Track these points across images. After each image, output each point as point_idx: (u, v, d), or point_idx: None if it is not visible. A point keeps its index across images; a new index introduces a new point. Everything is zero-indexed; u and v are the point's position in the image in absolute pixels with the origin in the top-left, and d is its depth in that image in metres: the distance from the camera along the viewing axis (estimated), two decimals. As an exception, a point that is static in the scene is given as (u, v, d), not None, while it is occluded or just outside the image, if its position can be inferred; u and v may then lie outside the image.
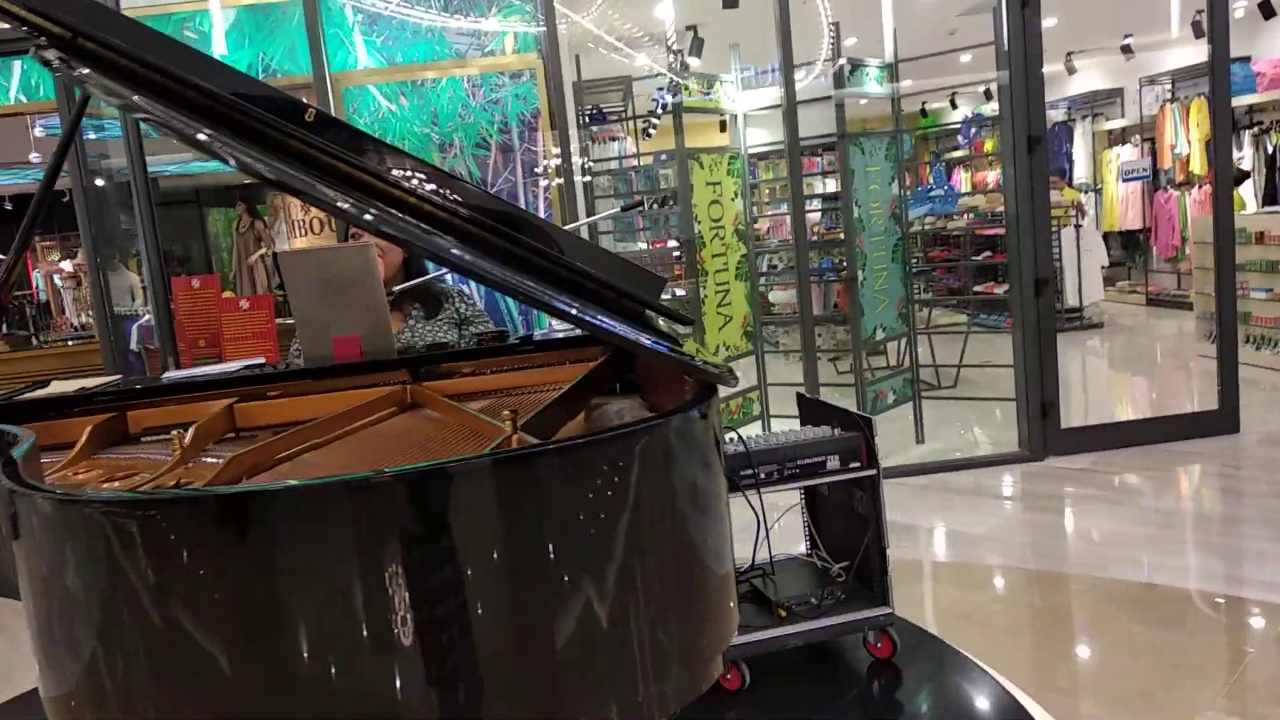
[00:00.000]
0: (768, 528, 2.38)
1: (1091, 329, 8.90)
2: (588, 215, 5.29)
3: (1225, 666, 2.82)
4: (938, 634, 2.96)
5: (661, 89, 4.85)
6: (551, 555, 1.05)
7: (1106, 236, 10.86)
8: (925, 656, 2.49)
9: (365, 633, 1.00)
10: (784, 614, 2.37)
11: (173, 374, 2.21)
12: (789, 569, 2.64)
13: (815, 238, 6.32)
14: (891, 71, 5.12)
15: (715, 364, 1.29)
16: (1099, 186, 10.55)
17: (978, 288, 9.82)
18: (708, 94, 5.04)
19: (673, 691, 1.12)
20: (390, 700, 1.01)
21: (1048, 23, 8.82)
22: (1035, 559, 3.77)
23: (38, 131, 5.92)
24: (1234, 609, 3.14)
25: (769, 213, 6.54)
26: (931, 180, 12.93)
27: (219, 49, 4.57)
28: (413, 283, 2.68)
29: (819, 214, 6.62)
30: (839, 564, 2.58)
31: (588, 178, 5.49)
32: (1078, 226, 8.96)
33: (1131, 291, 10.44)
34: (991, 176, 13.98)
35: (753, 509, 2.29)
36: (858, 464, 2.34)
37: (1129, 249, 10.60)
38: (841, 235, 5.19)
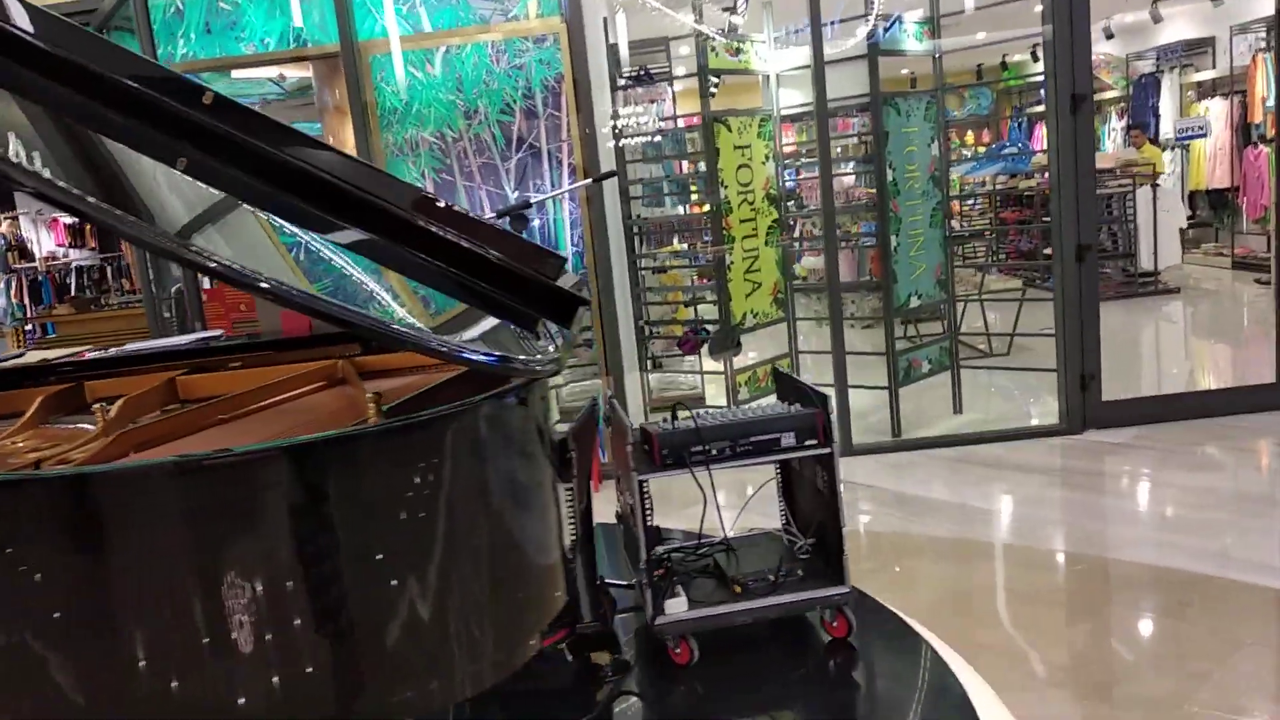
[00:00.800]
0: (717, 502, 2.38)
1: (1167, 294, 8.47)
2: (627, 180, 5.28)
3: (1222, 656, 2.70)
4: (927, 612, 2.93)
5: (713, 49, 4.74)
6: (360, 542, 1.07)
7: (1193, 195, 10.29)
8: (885, 636, 2.45)
9: (188, 619, 1.05)
10: (739, 589, 2.37)
11: (132, 346, 2.31)
12: (757, 544, 2.63)
13: (851, 202, 6.16)
14: (932, 27, 4.92)
15: (507, 356, 1.24)
16: (1186, 142, 9.96)
17: (1047, 250, 9.44)
18: (737, 54, 4.92)
19: (487, 669, 1.14)
20: (209, 686, 1.05)
21: (1124, -32, 8.35)
22: (1045, 537, 3.66)
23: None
24: (1247, 594, 3.00)
25: (803, 176, 6.39)
26: (1009, 137, 12.43)
27: (253, 19, 4.68)
28: None
29: (852, 177, 6.42)
30: (807, 540, 2.56)
31: (622, 141, 5.46)
32: (1155, 185, 8.50)
33: (1217, 254, 9.88)
34: (1075, 132, 13.39)
35: (698, 485, 2.29)
36: (814, 442, 2.30)
37: (1216, 209, 10.02)
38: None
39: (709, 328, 5.21)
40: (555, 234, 4.80)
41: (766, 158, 5.10)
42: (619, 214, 5.15)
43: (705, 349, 5.19)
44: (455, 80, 4.69)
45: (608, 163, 4.96)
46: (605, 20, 4.97)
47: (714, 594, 2.37)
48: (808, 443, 2.30)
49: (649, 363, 6.14)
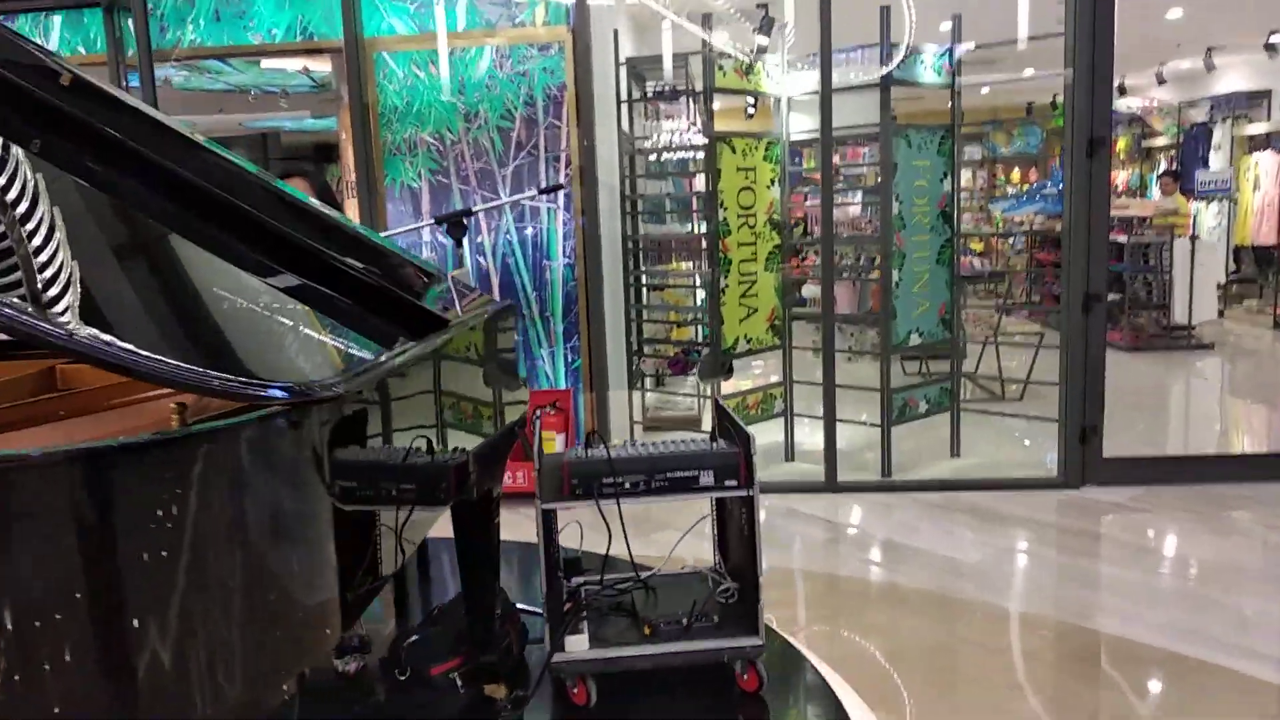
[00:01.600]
0: (626, 537, 2.26)
1: (1200, 349, 8.16)
2: (626, 197, 5.18)
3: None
4: (876, 665, 2.78)
5: (720, 67, 4.63)
6: (95, 577, 0.98)
7: (1239, 250, 9.94)
8: (801, 694, 2.31)
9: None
10: (648, 631, 2.25)
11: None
12: (682, 583, 2.51)
13: (857, 232, 5.99)
14: (951, 60, 4.76)
15: (243, 382, 1.10)
16: (1235, 196, 9.63)
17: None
18: (746, 75, 4.80)
19: (233, 711, 1.04)
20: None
21: (1173, 14, 8.10)
22: (1013, 596, 3.48)
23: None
24: (1201, 673, 2.79)
25: (809, 203, 6.23)
26: (1052, 177, 12.14)
27: (262, 9, 4.67)
28: None
29: (858, 207, 6.25)
30: (731, 584, 2.44)
31: (633, 155, 5.37)
32: (1194, 237, 8.21)
33: (1260, 312, 9.52)
34: (1122, 176, 13.03)
35: (604, 520, 2.17)
36: (734, 483, 2.17)
37: (1262, 265, 9.66)
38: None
39: (702, 350, 5.08)
40: (547, 244, 4.72)
41: (772, 181, 4.97)
42: (618, 228, 5.05)
43: (695, 372, 5.07)
44: (458, 83, 4.64)
45: (608, 175, 4.88)
46: (615, 32, 4.88)
47: (621, 634, 2.25)
48: (727, 483, 2.18)
49: (647, 381, 6.04)
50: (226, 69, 7.38)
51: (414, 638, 2.23)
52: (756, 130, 4.97)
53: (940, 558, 3.81)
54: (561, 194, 4.66)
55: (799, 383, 5.19)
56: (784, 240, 5.10)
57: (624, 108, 5.37)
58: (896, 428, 4.90)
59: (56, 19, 4.74)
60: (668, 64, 5.12)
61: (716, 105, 4.71)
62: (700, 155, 5.02)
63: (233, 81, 7.78)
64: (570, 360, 4.81)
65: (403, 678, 2.16)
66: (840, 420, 4.75)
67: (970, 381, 6.73)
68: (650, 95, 5.83)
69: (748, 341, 4.98)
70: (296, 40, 4.76)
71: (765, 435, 5.56)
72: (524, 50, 4.60)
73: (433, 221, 2.69)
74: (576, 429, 4.81)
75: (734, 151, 4.75)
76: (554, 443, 4.65)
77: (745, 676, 2.24)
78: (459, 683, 2.22)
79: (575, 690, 2.20)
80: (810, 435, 5.15)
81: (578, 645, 2.19)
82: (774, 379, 5.34)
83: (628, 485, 2.17)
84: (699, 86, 4.92)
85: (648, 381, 6.06)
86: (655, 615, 2.29)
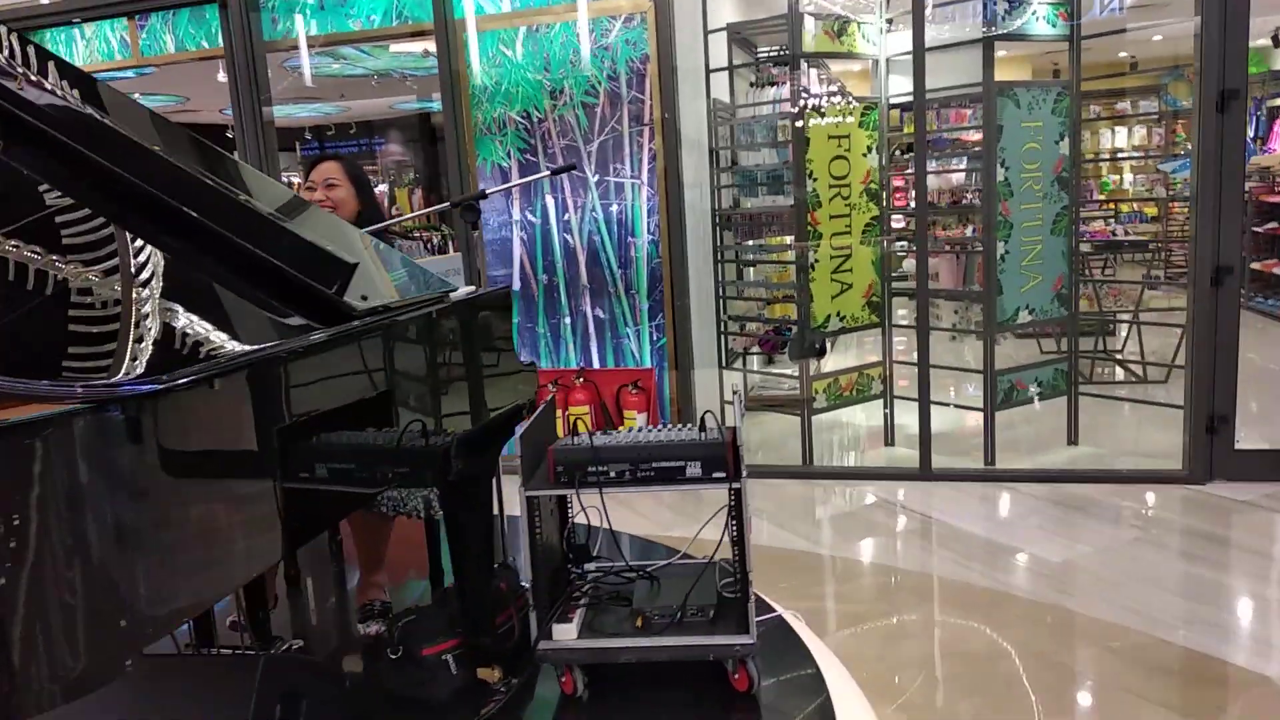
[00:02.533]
0: (609, 524, 2.20)
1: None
2: (718, 169, 5.04)
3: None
4: (928, 680, 2.63)
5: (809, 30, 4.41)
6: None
7: None
8: (799, 693, 2.19)
9: None
10: (640, 624, 2.19)
11: None
12: (689, 574, 2.42)
13: (962, 201, 5.57)
14: (1068, 9, 4.33)
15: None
16: None
17: (1255, 264, 8.24)
18: (839, 37, 4.55)
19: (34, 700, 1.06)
20: None
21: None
22: (1099, 602, 3.17)
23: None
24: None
25: (907, 170, 5.80)
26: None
27: (361, -3, 4.82)
28: (370, 229, 2.65)
29: (962, 174, 5.77)
30: (739, 575, 2.33)
31: (727, 126, 5.22)
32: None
33: None
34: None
35: (583, 510, 2.12)
36: (721, 474, 2.07)
37: None
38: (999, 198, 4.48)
39: (792, 328, 4.91)
40: (632, 221, 4.67)
41: (869, 149, 4.71)
42: (709, 203, 4.93)
43: (786, 351, 4.90)
44: (543, 59, 4.64)
45: (694, 147, 4.76)
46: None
47: (613, 625, 2.21)
48: (715, 474, 2.08)
49: (754, 360, 5.89)
50: (361, 55, 7.71)
51: (410, 617, 2.26)
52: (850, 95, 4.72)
53: (1031, 557, 3.53)
54: (645, 169, 4.59)
55: (901, 363, 4.93)
56: (883, 211, 4.83)
57: (726, 76, 5.23)
58: (1008, 412, 4.58)
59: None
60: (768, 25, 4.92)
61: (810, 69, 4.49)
62: (781, 124, 4.82)
63: (370, 66, 8.13)
64: (655, 339, 4.75)
65: (394, 656, 2.20)
66: (936, 403, 4.48)
67: (1113, 362, 6.20)
68: (745, 63, 5.63)
69: (841, 319, 4.76)
70: (393, 24, 4.89)
71: (867, 418, 5.35)
72: (606, 23, 4.54)
73: (451, 204, 2.70)
74: (661, 408, 4.76)
75: (824, 118, 4.53)
76: (635, 421, 4.62)
77: (736, 676, 2.14)
78: (452, 665, 2.24)
79: (563, 679, 2.18)
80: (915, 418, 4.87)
81: (565, 634, 2.16)
82: (874, 358, 5.09)
83: (613, 474, 2.11)
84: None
85: (754, 361, 5.92)
86: (652, 607, 2.22)
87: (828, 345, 4.96)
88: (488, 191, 2.76)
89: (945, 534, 3.83)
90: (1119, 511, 3.92)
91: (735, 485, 2.07)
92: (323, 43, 5.03)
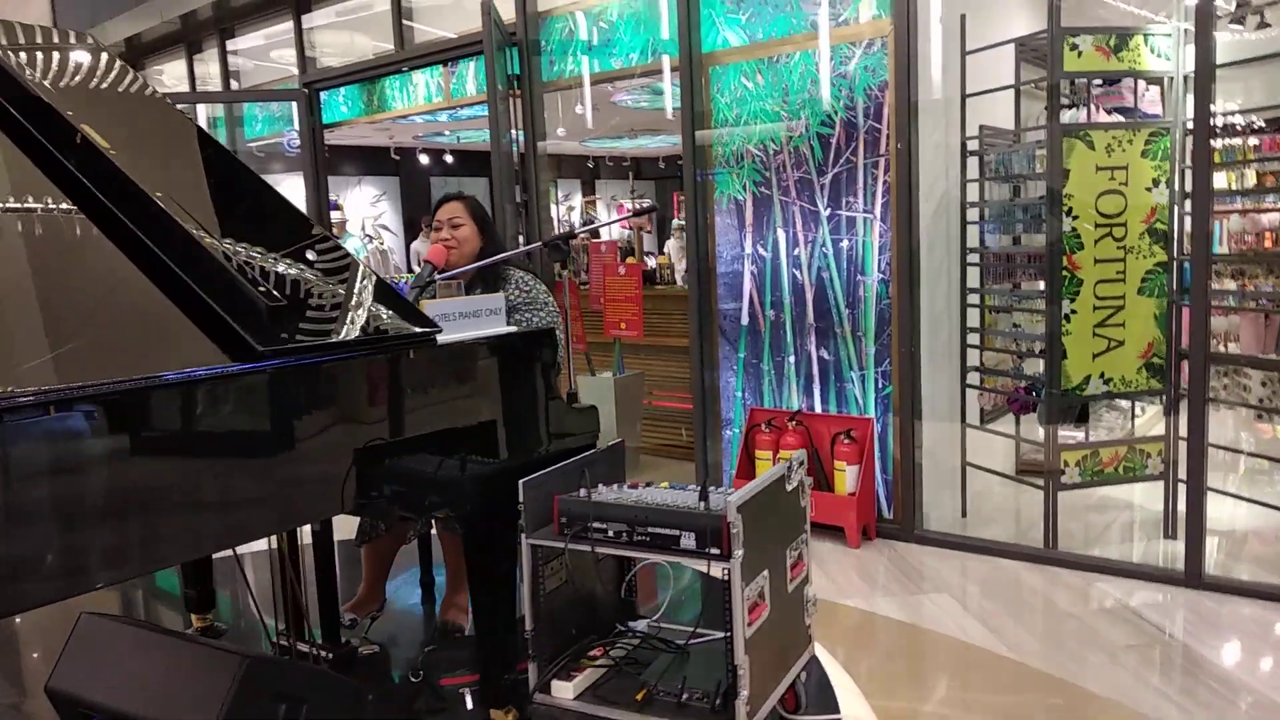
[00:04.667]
0: (635, 587, 2.06)
1: None
2: (965, 201, 4.54)
3: None
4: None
5: (1073, 46, 3.77)
6: None
7: None
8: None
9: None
10: (640, 698, 2.04)
11: None
12: (719, 653, 2.20)
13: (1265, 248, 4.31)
14: None
15: None
16: None
17: None
18: (1115, 53, 3.84)
19: None
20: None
21: None
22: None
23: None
24: None
25: (1216, 207, 4.54)
26: None
27: (623, 36, 5.03)
28: (478, 264, 2.74)
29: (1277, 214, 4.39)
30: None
31: (978, 157, 4.67)
32: None
33: None
34: None
35: (564, 567, 2.00)
36: (717, 551, 1.86)
37: None
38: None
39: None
40: (862, 258, 4.35)
41: (1156, 182, 3.95)
42: (954, 240, 4.45)
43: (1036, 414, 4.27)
44: (781, 90, 4.50)
45: (938, 181, 4.32)
46: (963, 18, 4.28)
47: (615, 693, 2.07)
48: (711, 550, 1.87)
49: (979, 417, 5.17)
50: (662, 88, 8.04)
51: (433, 646, 2.30)
52: (1129, 121, 3.98)
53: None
54: (879, 203, 4.26)
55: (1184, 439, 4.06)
56: (1172, 257, 4.02)
57: (1008, 97, 4.69)
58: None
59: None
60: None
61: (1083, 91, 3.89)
62: (1039, 153, 4.19)
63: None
64: (880, 386, 4.38)
65: (414, 680, 2.25)
66: (1217, 491, 3.64)
67: None
68: (1022, 83, 4.98)
69: (1105, 382, 4.04)
70: (648, 61, 5.03)
71: (1142, 500, 4.49)
72: (846, 50, 4.29)
73: (540, 244, 2.70)
74: (883, 462, 4.37)
75: (1092, 148, 3.89)
76: (844, 474, 4.29)
77: (726, 777, 1.90)
78: (468, 700, 2.24)
79: (557, 740, 2.08)
80: (1216, 508, 3.94)
81: (562, 692, 2.07)
82: (1156, 431, 4.25)
83: (610, 534, 1.98)
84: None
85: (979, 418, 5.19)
86: (660, 682, 2.06)
87: (1089, 411, 4.24)
88: (577, 232, 2.74)
89: (1195, 667, 3.06)
90: None
91: (723, 565, 1.84)
92: (591, 81, 5.31)
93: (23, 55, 2.01)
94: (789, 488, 2.12)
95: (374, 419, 1.84)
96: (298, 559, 2.43)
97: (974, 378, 4.56)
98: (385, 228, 13.15)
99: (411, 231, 12.63)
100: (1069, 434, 4.21)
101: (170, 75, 8.27)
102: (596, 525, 2.00)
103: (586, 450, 2.30)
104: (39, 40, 2.02)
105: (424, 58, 5.93)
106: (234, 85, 7.49)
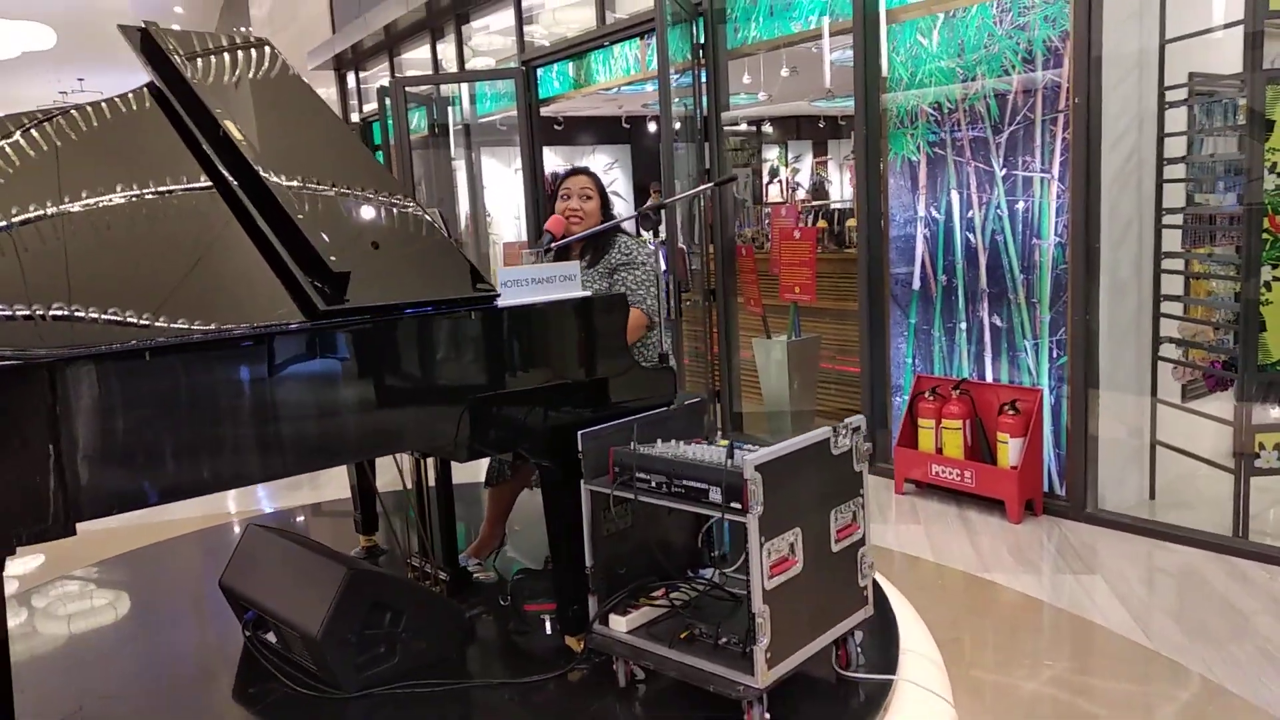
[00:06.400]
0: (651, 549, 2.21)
1: None
2: (1161, 158, 4.13)
3: None
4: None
5: None
6: None
7: None
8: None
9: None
10: (683, 636, 2.20)
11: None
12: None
13: None
14: None
15: None
16: None
17: None
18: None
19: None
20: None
21: None
22: None
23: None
24: None
25: None
26: None
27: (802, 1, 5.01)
28: (588, 232, 2.93)
29: None
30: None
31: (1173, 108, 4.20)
32: None
33: None
34: None
35: (629, 512, 2.17)
36: (737, 505, 1.98)
37: None
38: None
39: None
40: (1038, 221, 4.12)
41: (1392, 131, 3.43)
42: (1147, 200, 4.08)
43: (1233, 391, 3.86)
44: (957, 46, 4.32)
45: (1124, 134, 3.97)
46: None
47: (663, 631, 2.25)
48: (732, 504, 1.99)
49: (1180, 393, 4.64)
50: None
51: (521, 575, 2.57)
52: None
53: None
54: (1056, 162, 4.01)
55: None
56: None
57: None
58: None
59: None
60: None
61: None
62: (1243, 102, 3.72)
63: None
64: (1055, 355, 4.15)
65: (504, 603, 2.54)
66: None
67: None
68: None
69: (1316, 357, 3.59)
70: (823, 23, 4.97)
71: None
72: (1025, 1, 4.04)
73: (634, 215, 2.83)
74: (1055, 436, 4.15)
75: (1304, 93, 3.44)
76: (1007, 446, 4.12)
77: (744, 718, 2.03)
78: (547, 625, 2.50)
79: (616, 669, 2.29)
80: None
81: (617, 625, 2.27)
82: (1388, 415, 3.72)
83: (652, 484, 2.15)
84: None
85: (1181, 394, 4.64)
86: (706, 624, 2.21)
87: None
88: (665, 202, 2.83)
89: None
90: None
91: (739, 519, 1.96)
92: (767, 48, 5.33)
93: (199, 62, 2.46)
94: (835, 451, 2.17)
95: (480, 369, 2.19)
96: (423, 497, 2.81)
97: (1169, 350, 4.18)
98: (617, 194, 13.75)
99: (641, 197, 13.11)
100: (1269, 414, 3.78)
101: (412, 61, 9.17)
102: (640, 475, 2.17)
103: (661, 408, 2.47)
104: (210, 45, 2.47)
105: (621, 32, 6.19)
106: (468, 66, 8.18)
